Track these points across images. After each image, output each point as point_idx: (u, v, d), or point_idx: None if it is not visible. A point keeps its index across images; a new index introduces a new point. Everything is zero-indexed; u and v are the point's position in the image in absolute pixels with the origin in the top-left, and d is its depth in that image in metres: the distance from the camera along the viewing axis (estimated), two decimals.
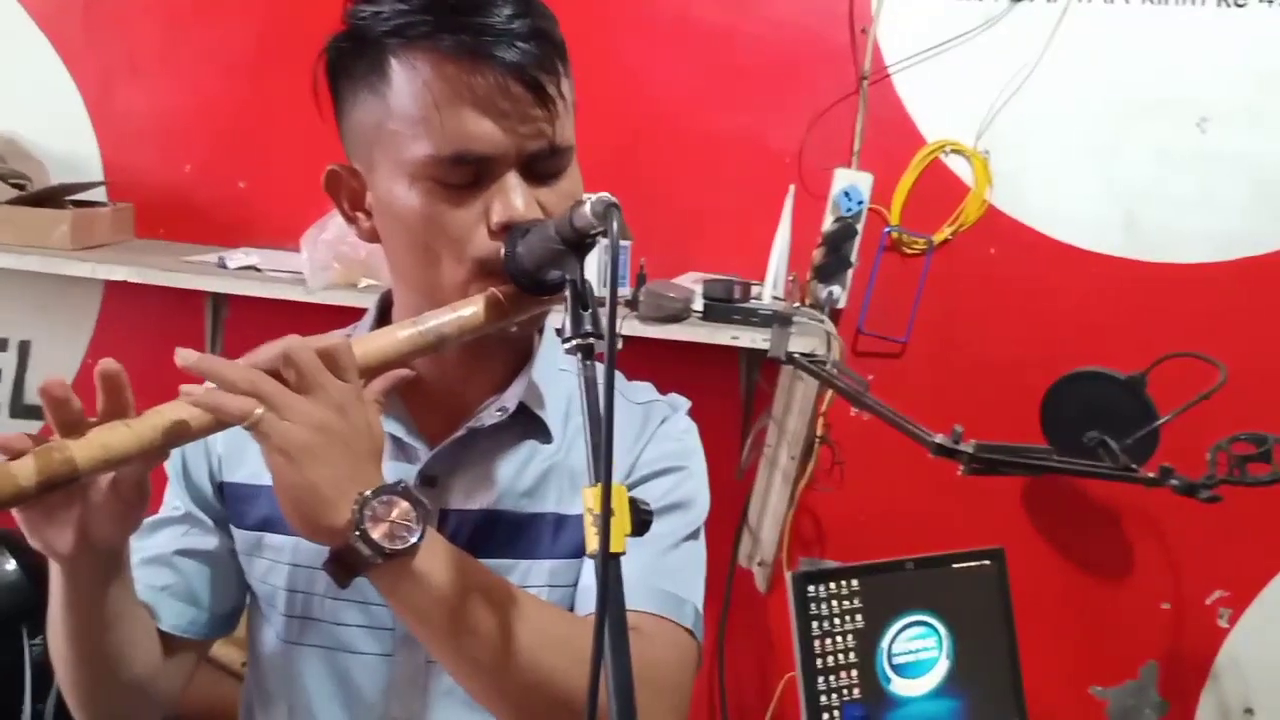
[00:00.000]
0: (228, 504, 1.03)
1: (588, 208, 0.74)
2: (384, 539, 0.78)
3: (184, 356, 0.78)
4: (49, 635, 0.94)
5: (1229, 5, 2.01)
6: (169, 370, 2.41)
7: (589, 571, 0.98)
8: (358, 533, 0.77)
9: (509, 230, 0.87)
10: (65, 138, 2.20)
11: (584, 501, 0.72)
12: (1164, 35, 2.04)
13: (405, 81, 0.87)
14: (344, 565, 0.79)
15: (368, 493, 0.78)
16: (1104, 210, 2.10)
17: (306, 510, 0.77)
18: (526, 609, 0.86)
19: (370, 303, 1.08)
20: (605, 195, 0.73)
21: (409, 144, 0.88)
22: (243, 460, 1.02)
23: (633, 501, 0.73)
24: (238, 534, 1.03)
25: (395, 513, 0.79)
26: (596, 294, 0.79)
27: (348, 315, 1.89)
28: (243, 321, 2.19)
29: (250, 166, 2.19)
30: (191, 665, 1.06)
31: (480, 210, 0.89)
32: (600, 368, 0.80)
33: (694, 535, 1.03)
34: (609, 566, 0.69)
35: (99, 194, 2.18)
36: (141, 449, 0.75)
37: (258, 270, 1.90)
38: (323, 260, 1.76)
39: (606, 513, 0.65)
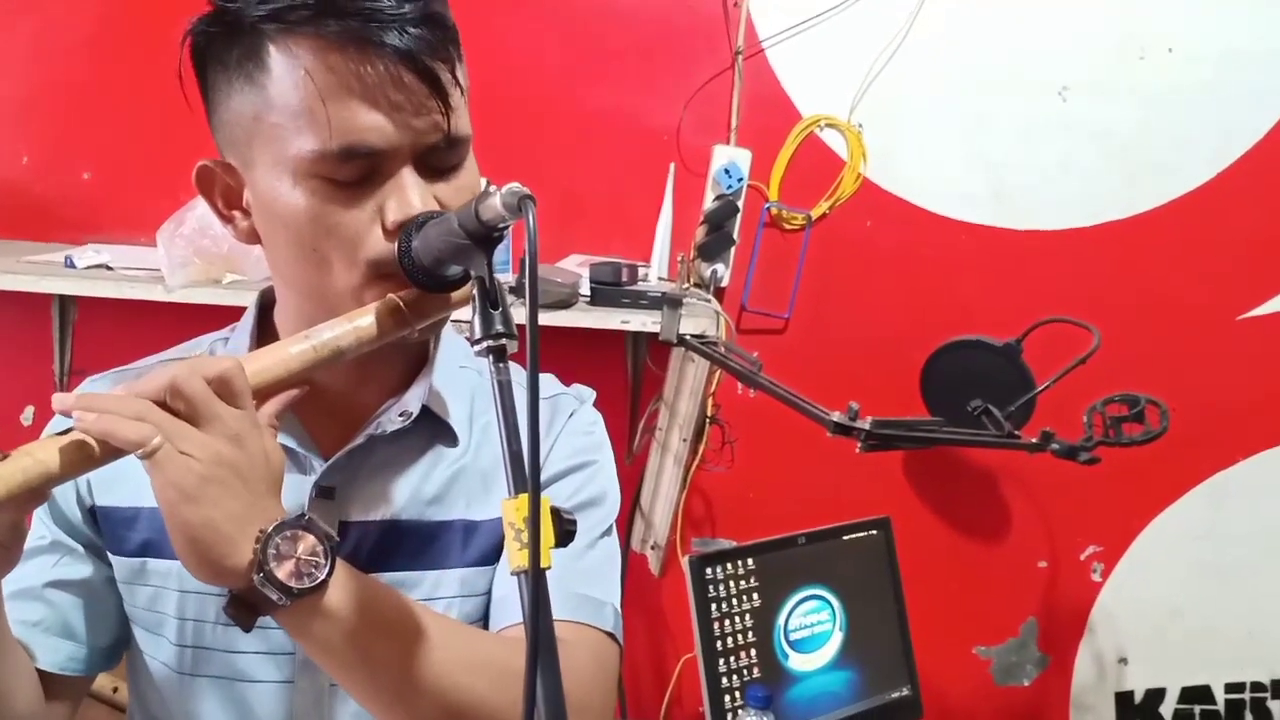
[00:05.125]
0: (103, 529, 0.95)
1: (498, 199, 0.69)
2: (290, 578, 0.72)
3: (61, 400, 0.71)
4: None
5: None
6: (14, 381, 2.21)
7: (502, 581, 0.94)
8: (261, 574, 0.71)
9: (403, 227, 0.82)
10: None
11: (504, 516, 0.68)
12: (1025, 6, 2.08)
13: (286, 71, 0.80)
14: (246, 607, 0.73)
15: (270, 529, 0.72)
16: (973, 180, 2.15)
17: (204, 551, 0.70)
18: (440, 633, 0.81)
19: (243, 300, 1.00)
20: (517, 186, 0.68)
21: (292, 139, 0.80)
22: (116, 481, 0.93)
23: (555, 512, 0.70)
24: (117, 561, 0.95)
25: (301, 548, 0.73)
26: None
27: (209, 314, 1.81)
28: (94, 325, 2.04)
29: (95, 155, 2.04)
30: (74, 704, 0.98)
31: (373, 209, 0.82)
32: (514, 369, 0.75)
33: (607, 532, 1.00)
34: (536, 586, 0.65)
35: None
36: (9, 495, 0.67)
37: (109, 269, 1.76)
38: (182, 256, 1.65)
39: (536, 531, 0.61)
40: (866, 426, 1.42)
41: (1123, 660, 2.30)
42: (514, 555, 0.67)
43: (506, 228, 0.72)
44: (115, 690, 1.75)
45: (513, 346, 0.73)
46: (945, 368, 1.88)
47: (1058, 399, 1.77)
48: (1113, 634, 2.29)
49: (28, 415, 2.09)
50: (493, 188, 0.70)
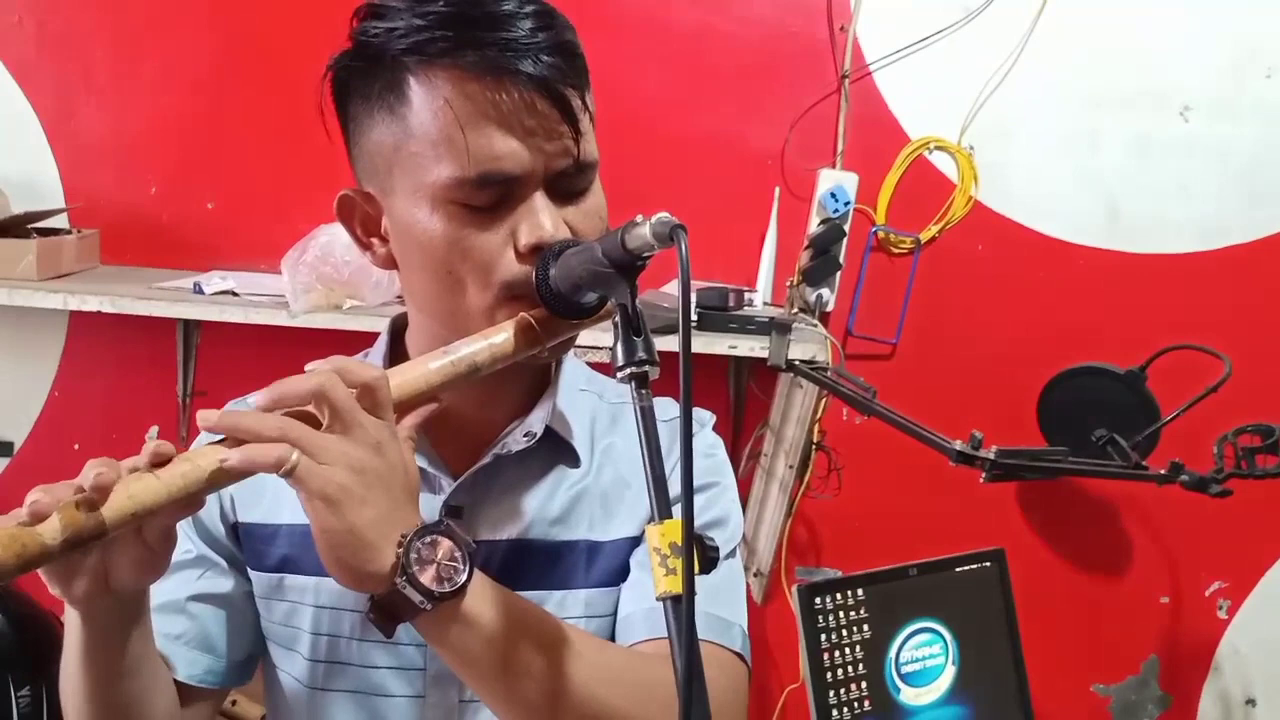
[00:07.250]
0: (244, 545, 0.98)
1: (647, 229, 0.70)
2: (432, 582, 0.73)
3: (204, 418, 0.72)
4: (62, 684, 0.88)
5: None
6: (139, 401, 2.29)
7: (628, 601, 0.94)
8: (404, 577, 0.72)
9: (537, 252, 0.83)
10: (23, 163, 2.10)
11: (649, 541, 0.68)
12: (1143, 24, 2.03)
13: (426, 101, 0.82)
14: (388, 613, 0.74)
15: (411, 533, 0.73)
16: (1089, 203, 2.10)
17: (348, 556, 0.72)
18: (577, 644, 0.82)
19: (361, 325, 1.01)
20: (666, 216, 0.69)
21: (431, 166, 0.82)
22: (258, 499, 0.96)
23: (699, 538, 0.69)
24: (256, 576, 0.98)
25: (440, 553, 0.74)
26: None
27: (328, 338, 1.85)
28: (216, 347, 2.11)
29: (218, 186, 2.12)
30: (210, 715, 1.00)
31: (507, 233, 0.84)
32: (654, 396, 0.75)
33: (731, 554, 1.00)
34: (680, 609, 0.65)
35: (60, 220, 2.09)
36: (171, 499, 0.69)
37: (235, 294, 1.83)
38: (305, 282, 1.70)
39: (690, 555, 0.60)
40: (991, 456, 1.39)
41: (1250, 701, 2.20)
42: (659, 580, 0.67)
43: (650, 256, 0.73)
44: (234, 703, 1.80)
45: (654, 373, 0.73)
46: (1064, 395, 1.83)
47: (1176, 428, 1.71)
48: (1240, 673, 2.20)
49: (152, 435, 2.16)
50: (640, 217, 0.70)
